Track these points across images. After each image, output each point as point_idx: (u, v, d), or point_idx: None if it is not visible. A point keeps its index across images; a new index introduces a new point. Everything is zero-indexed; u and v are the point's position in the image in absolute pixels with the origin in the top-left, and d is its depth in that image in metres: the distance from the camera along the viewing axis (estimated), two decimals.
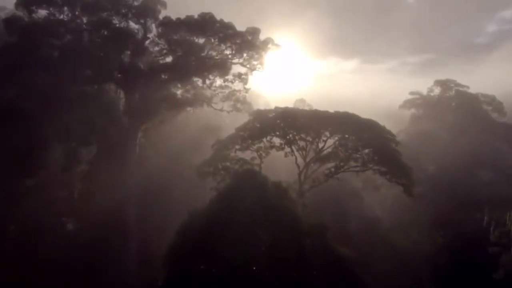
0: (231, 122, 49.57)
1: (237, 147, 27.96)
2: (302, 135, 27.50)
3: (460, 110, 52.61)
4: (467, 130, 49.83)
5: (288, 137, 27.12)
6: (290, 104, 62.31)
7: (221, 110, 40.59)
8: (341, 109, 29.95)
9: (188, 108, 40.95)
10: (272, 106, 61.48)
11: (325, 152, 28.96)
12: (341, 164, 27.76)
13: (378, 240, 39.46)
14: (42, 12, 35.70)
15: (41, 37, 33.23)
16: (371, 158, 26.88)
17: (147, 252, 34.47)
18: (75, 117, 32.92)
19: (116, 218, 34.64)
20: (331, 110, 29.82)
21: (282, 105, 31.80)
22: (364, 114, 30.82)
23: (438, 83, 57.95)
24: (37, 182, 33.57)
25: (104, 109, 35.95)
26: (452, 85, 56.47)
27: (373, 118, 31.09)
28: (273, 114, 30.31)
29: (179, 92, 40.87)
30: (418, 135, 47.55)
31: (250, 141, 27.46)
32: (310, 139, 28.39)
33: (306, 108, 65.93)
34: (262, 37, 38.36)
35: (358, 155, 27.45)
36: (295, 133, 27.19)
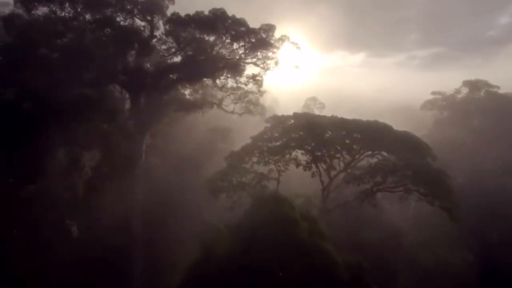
0: (241, 122, 47.53)
1: (254, 159, 25.14)
2: (332, 153, 24.37)
3: (490, 112, 48.50)
4: (497, 134, 46.29)
5: (318, 154, 23.96)
6: (300, 101, 59.88)
7: (232, 112, 38.10)
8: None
9: (197, 110, 38.50)
10: (280, 102, 59.34)
11: (352, 164, 25.95)
12: (376, 186, 24.60)
13: (401, 254, 37.11)
14: (43, 9, 33.40)
15: (41, 37, 30.89)
16: (412, 179, 23.59)
17: (153, 264, 33.02)
18: (77, 121, 31.08)
19: (121, 227, 33.11)
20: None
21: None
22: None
23: (467, 83, 53.42)
24: (39, 187, 32.01)
25: (108, 112, 33.85)
26: (482, 85, 52.20)
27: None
28: (292, 121, 27.52)
29: (187, 92, 38.51)
30: (444, 140, 44.17)
31: (269, 154, 24.55)
32: (333, 152, 25.35)
33: (318, 106, 63.37)
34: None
35: (397, 176, 24.06)
36: (324, 150, 24.05)
